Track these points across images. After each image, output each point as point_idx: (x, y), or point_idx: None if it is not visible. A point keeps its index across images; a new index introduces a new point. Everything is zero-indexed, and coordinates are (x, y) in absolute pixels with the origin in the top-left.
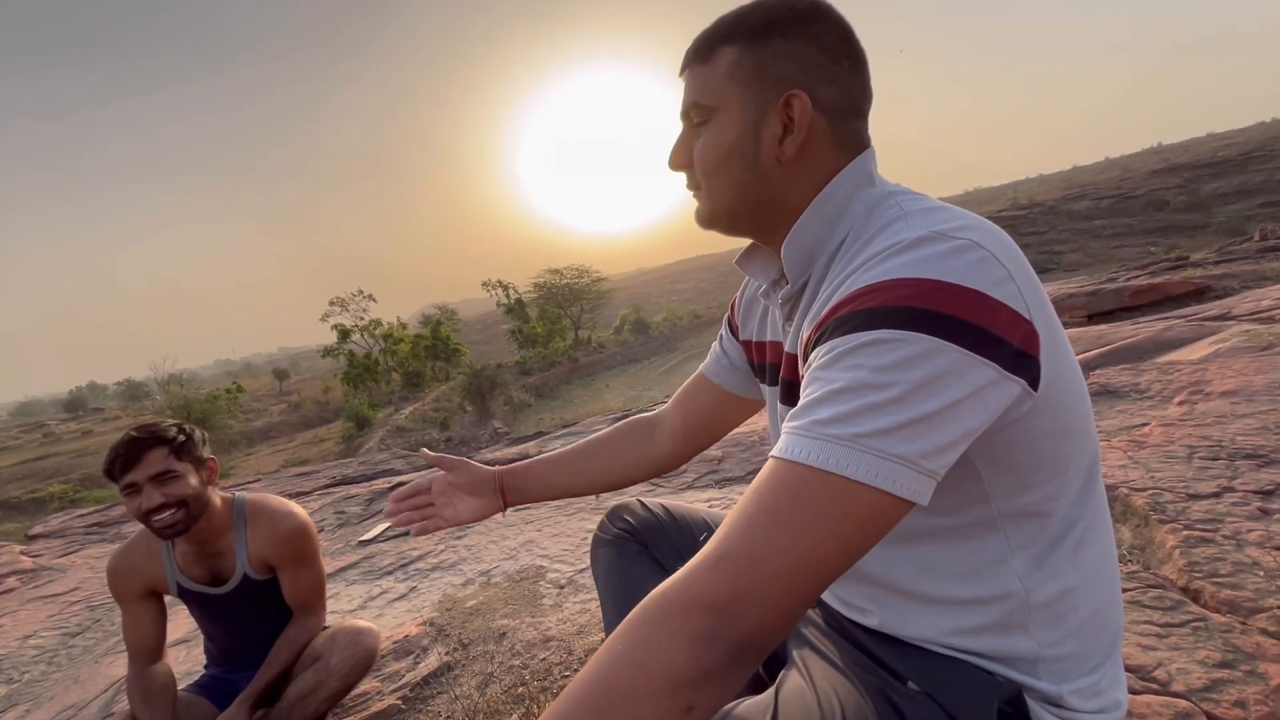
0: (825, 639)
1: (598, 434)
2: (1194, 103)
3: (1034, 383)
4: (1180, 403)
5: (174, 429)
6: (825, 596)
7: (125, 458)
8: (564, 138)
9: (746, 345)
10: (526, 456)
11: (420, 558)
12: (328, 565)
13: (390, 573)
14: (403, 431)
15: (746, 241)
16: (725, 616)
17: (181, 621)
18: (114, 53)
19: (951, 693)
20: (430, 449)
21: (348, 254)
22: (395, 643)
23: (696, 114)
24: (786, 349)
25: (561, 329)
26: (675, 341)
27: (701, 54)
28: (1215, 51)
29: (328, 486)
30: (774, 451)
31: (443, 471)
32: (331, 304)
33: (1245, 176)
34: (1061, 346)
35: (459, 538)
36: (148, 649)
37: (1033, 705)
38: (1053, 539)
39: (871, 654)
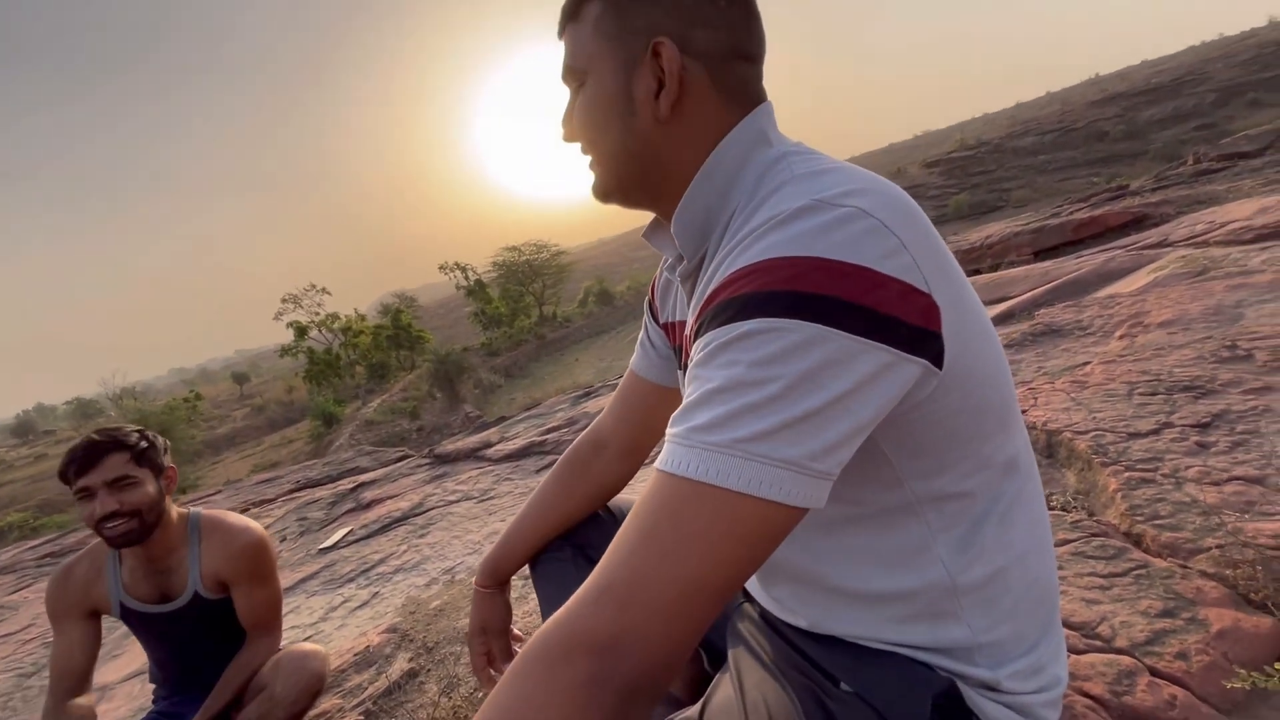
0: (761, 636)
1: (549, 473)
2: (1128, 31)
3: (937, 360)
4: (1121, 336)
5: (135, 434)
6: (757, 595)
7: (83, 460)
8: (510, 110)
9: (667, 328)
10: (488, 445)
11: (382, 561)
12: (288, 576)
13: (352, 579)
14: (372, 424)
15: None
16: (610, 659)
17: (136, 654)
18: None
19: (882, 692)
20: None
21: (297, 250)
22: (356, 654)
23: (571, 79)
24: (687, 331)
25: (525, 306)
26: (641, 309)
27: (570, 11)
28: None
29: (292, 492)
30: (657, 463)
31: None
32: (284, 301)
33: (1179, 101)
34: (971, 316)
35: (422, 535)
36: (72, 674)
37: (969, 693)
38: (974, 519)
39: (805, 654)
